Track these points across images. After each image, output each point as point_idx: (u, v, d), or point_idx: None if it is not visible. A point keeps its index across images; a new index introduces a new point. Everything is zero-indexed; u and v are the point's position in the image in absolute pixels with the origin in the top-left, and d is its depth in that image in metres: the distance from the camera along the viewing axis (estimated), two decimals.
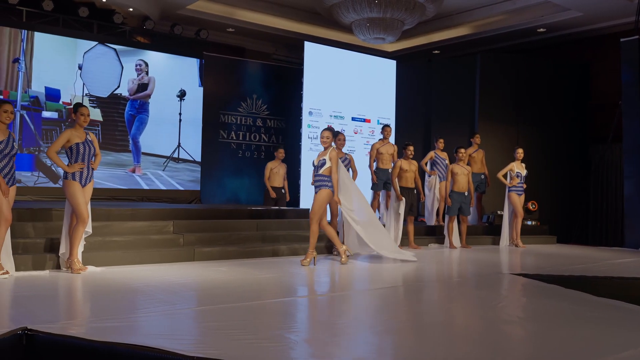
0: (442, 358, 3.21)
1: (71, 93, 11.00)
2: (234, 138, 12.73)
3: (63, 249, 5.92)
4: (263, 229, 8.06)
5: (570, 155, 12.10)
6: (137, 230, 7.07)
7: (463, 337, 3.76)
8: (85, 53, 11.16)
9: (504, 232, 9.71)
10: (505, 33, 12.96)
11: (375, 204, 9.72)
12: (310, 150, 11.30)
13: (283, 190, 10.08)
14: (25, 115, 10.51)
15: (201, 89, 12.43)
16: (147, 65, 11.87)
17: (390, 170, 9.15)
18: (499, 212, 10.34)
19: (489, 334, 3.84)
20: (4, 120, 5.46)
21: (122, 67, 11.59)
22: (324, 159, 6.81)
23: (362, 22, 10.74)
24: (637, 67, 10.36)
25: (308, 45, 11.58)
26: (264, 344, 3.33)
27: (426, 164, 10.12)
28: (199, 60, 12.41)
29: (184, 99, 12.28)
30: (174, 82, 12.19)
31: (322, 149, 6.99)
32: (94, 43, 11.25)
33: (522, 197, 9.71)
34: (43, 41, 10.74)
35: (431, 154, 10.13)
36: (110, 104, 11.51)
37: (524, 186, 9.73)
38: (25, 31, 10.56)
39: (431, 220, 10.09)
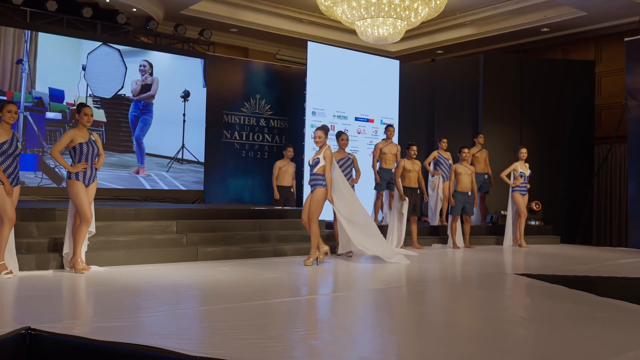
0: (445, 358, 3.21)
1: (75, 94, 11.01)
2: (238, 138, 12.74)
3: (66, 249, 5.94)
4: (266, 229, 8.07)
5: (574, 155, 12.06)
6: (140, 230, 7.08)
7: (466, 338, 3.75)
8: (89, 54, 11.17)
9: (507, 232, 9.69)
10: (509, 33, 12.94)
11: (378, 204, 9.73)
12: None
13: (292, 189, 10.07)
14: (29, 116, 10.52)
15: (205, 89, 12.44)
16: (151, 66, 11.88)
17: (393, 170, 9.14)
18: (502, 212, 10.31)
19: (492, 334, 3.83)
20: (8, 120, 5.49)
21: (126, 68, 11.60)
22: (318, 158, 6.83)
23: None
24: None
25: (311, 46, 11.57)
26: (267, 343, 3.33)
27: (429, 163, 10.11)
28: (202, 60, 12.42)
29: (187, 100, 12.29)
30: (178, 82, 12.20)
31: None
32: (98, 44, 11.27)
33: (526, 197, 9.69)
34: (47, 42, 10.76)
35: (434, 153, 10.12)
36: (114, 104, 11.52)
37: (528, 186, 9.71)
38: (29, 32, 10.57)
39: (434, 220, 10.08)
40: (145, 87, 11.87)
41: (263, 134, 13.05)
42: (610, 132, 12.03)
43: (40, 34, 10.68)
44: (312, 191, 6.85)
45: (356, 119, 11.90)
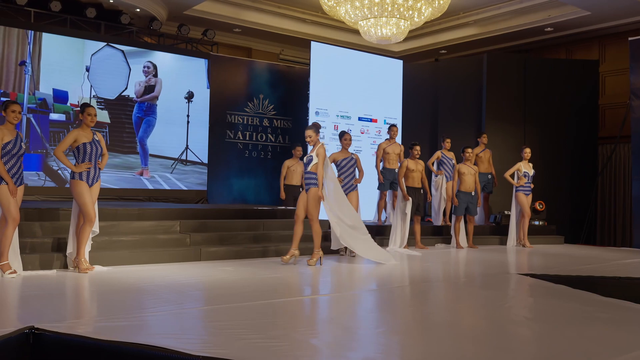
0: (449, 358, 3.20)
1: (79, 95, 11.03)
2: (241, 138, 12.75)
3: (70, 249, 5.95)
4: (269, 229, 8.08)
5: (578, 155, 12.03)
6: (143, 230, 7.09)
7: (470, 337, 3.75)
8: (92, 55, 11.19)
9: (511, 232, 9.67)
10: (512, 32, 12.93)
11: (381, 204, 9.72)
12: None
13: (301, 189, 10.06)
14: (32, 119, 10.53)
15: (209, 90, 12.45)
16: (154, 67, 11.89)
17: (396, 170, 9.13)
18: (506, 212, 10.29)
19: (495, 334, 3.82)
20: (12, 120, 5.50)
21: (130, 69, 11.62)
22: (311, 156, 6.83)
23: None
24: None
25: (315, 46, 11.57)
26: (270, 343, 3.33)
27: (433, 163, 10.10)
28: (206, 61, 12.42)
29: (191, 101, 12.30)
30: (182, 83, 12.21)
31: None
32: (102, 44, 11.28)
33: (530, 197, 9.67)
34: (51, 43, 10.78)
35: (438, 153, 10.11)
36: (118, 105, 11.54)
37: (532, 186, 9.69)
38: (32, 32, 10.59)
39: (438, 220, 10.07)
40: (149, 89, 11.88)
41: (266, 134, 13.06)
42: (614, 132, 12.00)
43: (44, 35, 10.71)
44: (306, 190, 6.83)
45: (359, 118, 11.90)
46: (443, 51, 14.56)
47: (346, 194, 7.80)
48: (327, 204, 6.88)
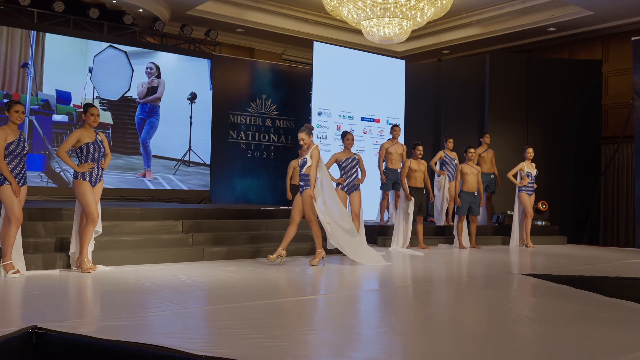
0: (451, 358, 3.20)
1: (82, 96, 11.05)
2: (244, 138, 12.75)
3: (73, 249, 5.97)
4: (272, 229, 8.08)
5: (581, 155, 12.01)
6: (146, 230, 7.11)
7: (472, 337, 3.75)
8: (95, 56, 11.20)
9: (513, 232, 9.66)
10: (515, 32, 12.92)
11: (384, 204, 9.73)
12: (320, 151, 11.27)
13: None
14: (34, 120, 10.52)
15: (211, 90, 12.45)
16: (157, 68, 11.90)
17: (399, 170, 9.13)
18: (508, 212, 10.29)
19: (498, 334, 3.82)
20: (15, 120, 5.52)
21: (133, 70, 11.63)
22: (305, 158, 6.80)
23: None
24: None
25: (317, 46, 11.57)
26: (272, 343, 3.33)
27: (435, 163, 10.09)
28: (209, 61, 12.43)
29: (194, 102, 12.31)
30: (184, 84, 12.22)
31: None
32: (105, 45, 11.30)
33: (532, 197, 9.66)
34: (54, 44, 10.79)
35: (440, 153, 10.10)
36: (121, 106, 11.55)
37: (534, 186, 9.68)
38: (35, 33, 10.61)
39: (440, 220, 10.06)
40: (152, 90, 11.89)
41: (269, 134, 13.07)
42: (617, 132, 11.98)
43: (47, 36, 10.73)
44: (301, 192, 6.80)
45: (362, 119, 11.89)
46: (446, 51, 14.56)
47: (348, 194, 7.81)
48: (318, 205, 6.81)
